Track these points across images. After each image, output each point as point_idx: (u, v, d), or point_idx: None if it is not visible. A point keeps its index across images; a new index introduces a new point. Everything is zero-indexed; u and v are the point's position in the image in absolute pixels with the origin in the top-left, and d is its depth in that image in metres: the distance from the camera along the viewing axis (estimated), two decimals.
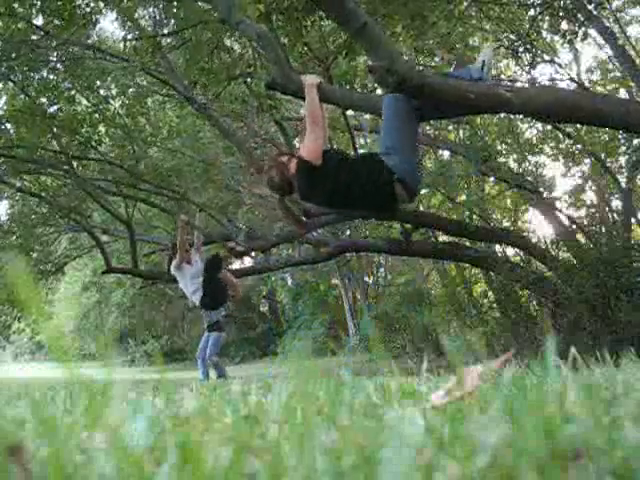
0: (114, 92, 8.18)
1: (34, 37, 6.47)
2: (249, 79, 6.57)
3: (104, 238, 9.91)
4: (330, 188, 2.74)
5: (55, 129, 7.03)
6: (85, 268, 18.72)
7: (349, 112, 6.07)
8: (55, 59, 6.98)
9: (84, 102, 8.03)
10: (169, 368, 18.99)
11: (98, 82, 7.64)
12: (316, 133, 2.70)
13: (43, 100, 7.18)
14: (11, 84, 7.09)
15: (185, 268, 5.63)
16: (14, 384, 4.15)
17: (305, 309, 17.44)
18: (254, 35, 3.50)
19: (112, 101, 8.19)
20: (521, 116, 9.12)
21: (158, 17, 6.15)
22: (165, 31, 6.28)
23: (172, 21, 6.17)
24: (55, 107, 7.25)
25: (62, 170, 7.31)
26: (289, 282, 20.14)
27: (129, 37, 5.76)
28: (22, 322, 11.88)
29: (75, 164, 7.47)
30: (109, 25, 40.51)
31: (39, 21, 6.52)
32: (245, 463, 0.44)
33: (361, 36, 2.80)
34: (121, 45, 6.39)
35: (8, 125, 7.29)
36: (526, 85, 6.98)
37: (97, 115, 7.70)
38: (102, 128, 8.05)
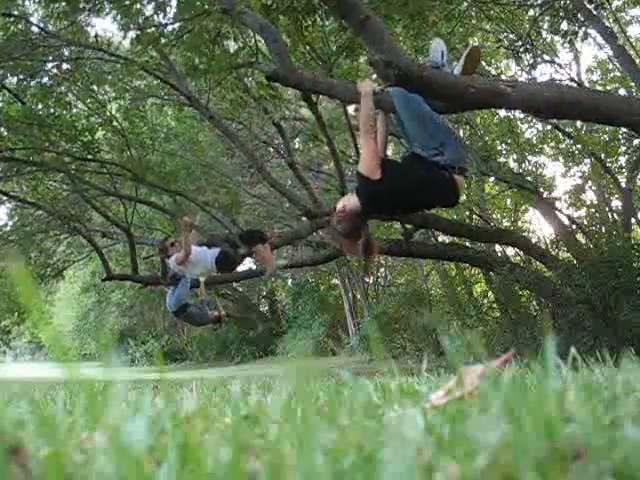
0: (112, 95, 8.13)
1: (33, 36, 6.42)
2: (249, 76, 6.55)
3: (104, 240, 9.89)
4: (392, 199, 2.65)
5: (53, 137, 6.95)
6: (85, 268, 18.73)
7: (350, 112, 6.05)
8: (54, 58, 6.89)
9: (80, 106, 7.97)
10: (169, 368, 18.99)
11: (95, 87, 7.59)
12: (370, 144, 2.60)
13: (39, 106, 7.11)
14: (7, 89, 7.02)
15: (188, 260, 5.69)
16: (14, 384, 4.15)
17: (305, 309, 17.43)
18: (256, 26, 3.50)
19: (109, 104, 8.14)
20: (522, 116, 9.13)
21: (159, 5, 6.06)
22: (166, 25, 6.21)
23: (173, 11, 6.09)
24: (52, 112, 7.17)
25: (62, 171, 7.26)
26: (289, 282, 20.14)
27: (131, 27, 5.70)
28: (21, 326, 11.88)
29: (74, 166, 7.41)
30: (109, 25, 40.51)
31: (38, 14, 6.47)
32: (245, 463, 0.44)
33: (363, 29, 2.81)
34: (121, 36, 6.33)
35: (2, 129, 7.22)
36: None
37: (95, 117, 7.65)
38: (100, 134, 7.98)
